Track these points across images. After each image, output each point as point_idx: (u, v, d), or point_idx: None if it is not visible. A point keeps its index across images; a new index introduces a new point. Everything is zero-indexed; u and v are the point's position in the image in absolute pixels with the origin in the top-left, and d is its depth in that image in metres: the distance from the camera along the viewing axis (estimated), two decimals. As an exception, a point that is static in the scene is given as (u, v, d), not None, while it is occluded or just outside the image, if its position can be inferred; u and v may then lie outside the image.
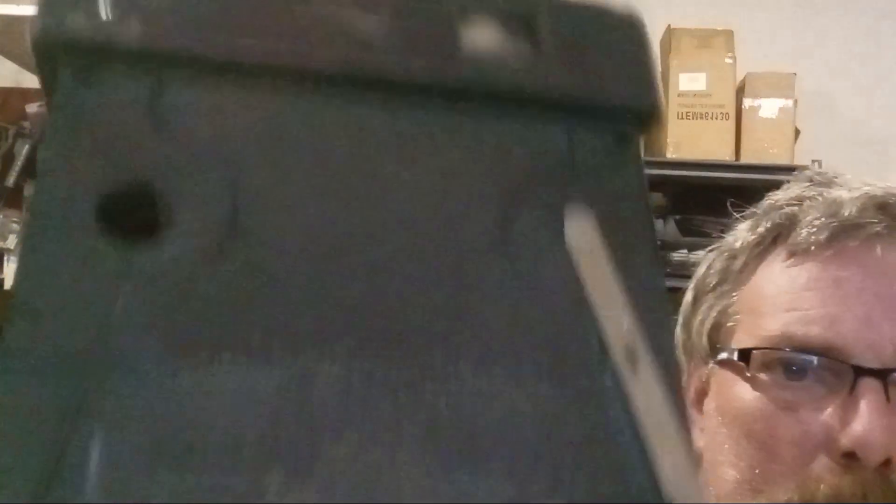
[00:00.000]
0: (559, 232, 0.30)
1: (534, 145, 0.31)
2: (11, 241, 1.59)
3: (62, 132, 0.30)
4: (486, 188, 0.30)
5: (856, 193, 0.53)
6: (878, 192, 0.52)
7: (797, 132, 2.03)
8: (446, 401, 0.28)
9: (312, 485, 0.27)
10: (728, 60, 2.02)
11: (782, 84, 2.02)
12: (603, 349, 0.30)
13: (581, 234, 0.31)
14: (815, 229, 0.52)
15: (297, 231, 0.30)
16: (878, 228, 0.50)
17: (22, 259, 0.29)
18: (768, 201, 0.57)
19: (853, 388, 0.48)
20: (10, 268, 1.59)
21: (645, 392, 0.30)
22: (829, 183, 0.56)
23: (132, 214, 0.30)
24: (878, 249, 0.50)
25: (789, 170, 2.03)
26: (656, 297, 0.30)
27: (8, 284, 1.57)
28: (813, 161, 1.93)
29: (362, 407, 0.28)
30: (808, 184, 0.56)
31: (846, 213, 0.51)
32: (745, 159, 2.05)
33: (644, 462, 0.28)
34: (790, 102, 2.02)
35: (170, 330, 0.28)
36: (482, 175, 0.30)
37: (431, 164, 0.30)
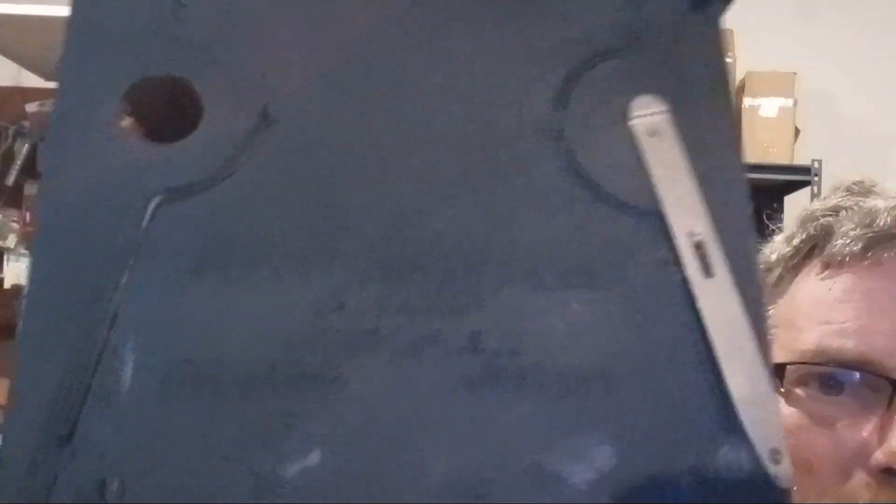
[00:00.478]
0: (621, 114, 0.27)
1: (599, 17, 0.28)
2: (11, 241, 1.57)
3: (84, 29, 0.28)
4: (547, 65, 0.28)
5: (892, 203, 0.52)
6: None
7: (797, 132, 2.03)
8: (492, 321, 0.26)
9: (345, 407, 0.24)
10: (728, 60, 2.01)
11: (782, 84, 2.02)
12: (670, 252, 0.27)
13: (647, 114, 0.29)
14: (849, 240, 0.51)
15: (331, 125, 0.27)
16: None
17: (49, 156, 0.26)
18: (805, 213, 0.56)
19: (891, 402, 0.47)
20: (10, 267, 1.58)
21: (718, 301, 0.27)
22: (866, 192, 0.55)
23: (159, 108, 0.28)
24: None
25: (789, 169, 2.03)
26: (735, 188, 0.27)
27: (8, 284, 1.55)
28: (813, 161, 1.92)
29: (396, 330, 0.25)
30: (845, 193, 0.55)
31: (881, 223, 0.50)
32: (746, 159, 2.04)
33: (712, 382, 0.26)
34: (790, 102, 2.01)
35: (200, 240, 0.26)
36: (543, 50, 0.28)
37: (491, 38, 0.28)
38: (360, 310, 0.25)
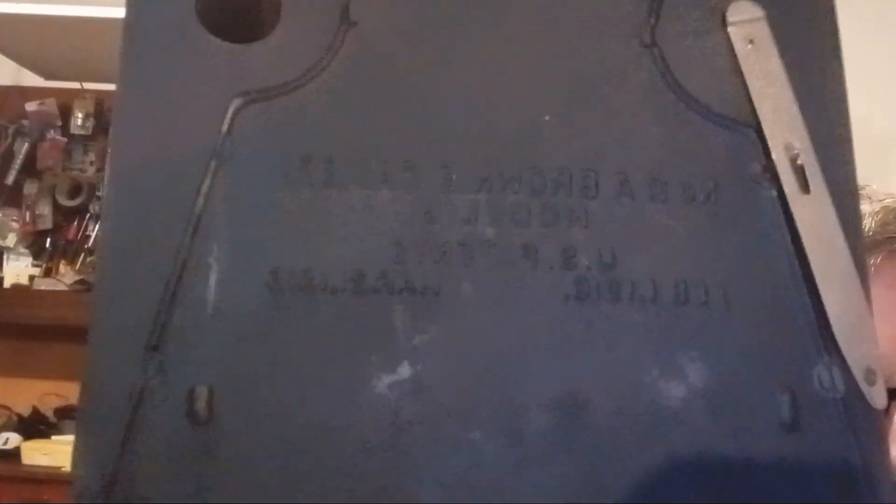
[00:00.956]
0: (717, 19, 0.25)
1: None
2: (11, 240, 1.57)
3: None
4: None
5: (876, 207, 0.48)
6: None
7: (797, 131, 1.96)
8: (583, 235, 0.25)
9: (435, 322, 0.24)
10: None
11: (783, 83, 1.91)
12: (766, 167, 0.26)
13: (744, 20, 0.27)
14: None
15: (418, 30, 0.26)
16: None
17: (126, 73, 0.25)
18: None
19: (888, 410, 0.46)
20: (10, 266, 1.58)
21: (815, 217, 0.26)
22: None
23: (239, 14, 0.26)
24: None
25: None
26: (834, 101, 0.26)
27: (8, 283, 1.55)
28: None
29: (487, 243, 0.24)
30: None
31: (866, 229, 0.48)
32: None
33: (808, 300, 0.25)
34: (790, 102, 1.92)
35: (285, 147, 0.24)
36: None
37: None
38: (452, 221, 0.24)
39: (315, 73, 0.25)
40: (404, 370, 0.23)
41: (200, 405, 0.22)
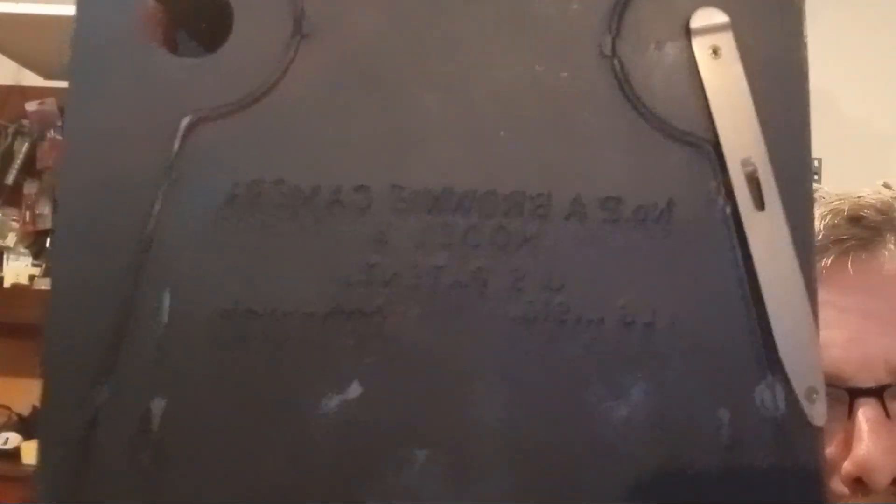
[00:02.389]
0: (679, 27, 0.25)
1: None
2: (11, 240, 1.57)
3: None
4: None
5: (825, 209, 0.48)
6: (848, 206, 0.48)
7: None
8: (533, 259, 0.25)
9: (383, 344, 0.23)
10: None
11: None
12: (722, 184, 0.26)
13: (708, 28, 0.26)
14: None
15: (368, 47, 0.25)
16: (851, 243, 0.46)
17: (74, 91, 0.24)
18: None
19: (851, 410, 0.45)
20: (10, 266, 1.58)
21: (767, 235, 0.26)
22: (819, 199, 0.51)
23: (185, 18, 0.26)
24: (855, 266, 0.46)
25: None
26: (795, 114, 0.26)
27: (8, 283, 1.56)
28: (813, 160, 1.84)
29: (437, 267, 0.24)
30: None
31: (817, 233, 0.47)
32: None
33: (755, 319, 0.25)
34: (791, 100, 1.91)
35: (235, 168, 0.24)
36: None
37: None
38: (402, 244, 0.24)
39: (266, 90, 0.25)
40: (353, 390, 0.23)
41: (153, 429, 0.23)
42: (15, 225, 1.61)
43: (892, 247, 0.47)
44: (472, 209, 0.25)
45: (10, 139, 1.60)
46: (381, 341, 0.24)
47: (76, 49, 0.24)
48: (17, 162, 1.59)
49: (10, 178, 1.59)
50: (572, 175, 0.25)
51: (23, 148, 1.61)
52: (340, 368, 0.23)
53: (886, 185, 0.50)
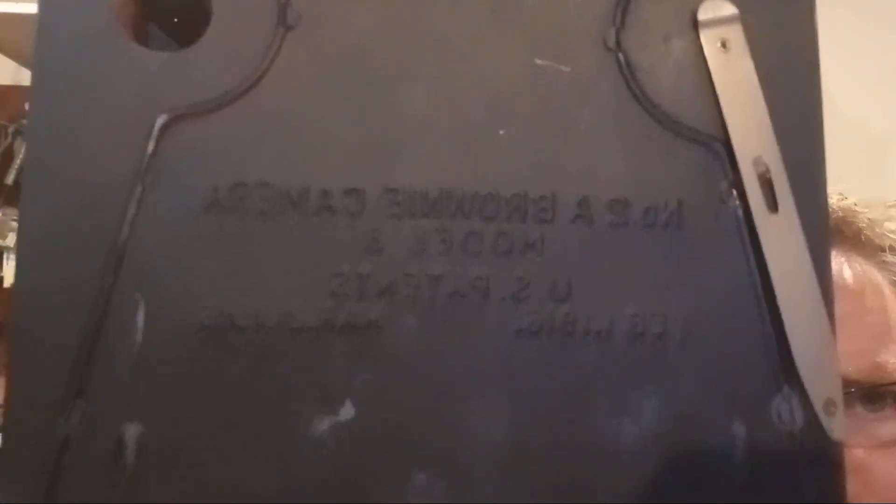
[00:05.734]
0: (687, 19, 0.23)
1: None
2: (11, 240, 1.53)
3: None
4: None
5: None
6: None
7: (796, 133, 1.95)
8: (538, 266, 0.23)
9: (379, 360, 0.22)
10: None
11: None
12: (733, 184, 0.25)
13: (716, 20, 0.25)
14: None
15: (358, 39, 0.23)
16: None
17: (39, 88, 0.22)
18: None
19: (874, 406, 0.44)
20: (10, 266, 1.54)
21: (781, 239, 0.25)
22: None
23: (165, 17, 0.24)
24: None
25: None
26: (808, 112, 0.24)
27: (8, 282, 1.52)
28: None
29: (436, 274, 0.23)
30: None
31: None
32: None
33: (770, 328, 0.23)
34: (790, 101, 1.91)
35: (215, 169, 0.22)
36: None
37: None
38: (398, 250, 0.22)
39: (248, 86, 0.23)
40: (346, 411, 0.22)
41: (127, 453, 0.21)
42: (15, 225, 1.57)
43: (858, 257, 0.46)
44: (472, 213, 0.23)
45: (10, 139, 1.57)
46: (375, 357, 0.22)
47: (40, 43, 0.22)
48: (17, 162, 1.55)
49: (10, 178, 1.55)
50: (577, 176, 0.24)
51: (23, 148, 1.57)
52: (331, 388, 0.22)
53: (842, 195, 0.49)
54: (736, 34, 0.25)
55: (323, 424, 0.21)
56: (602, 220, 0.23)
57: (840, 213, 0.46)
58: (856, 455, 0.41)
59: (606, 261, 0.23)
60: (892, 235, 0.46)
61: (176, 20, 0.24)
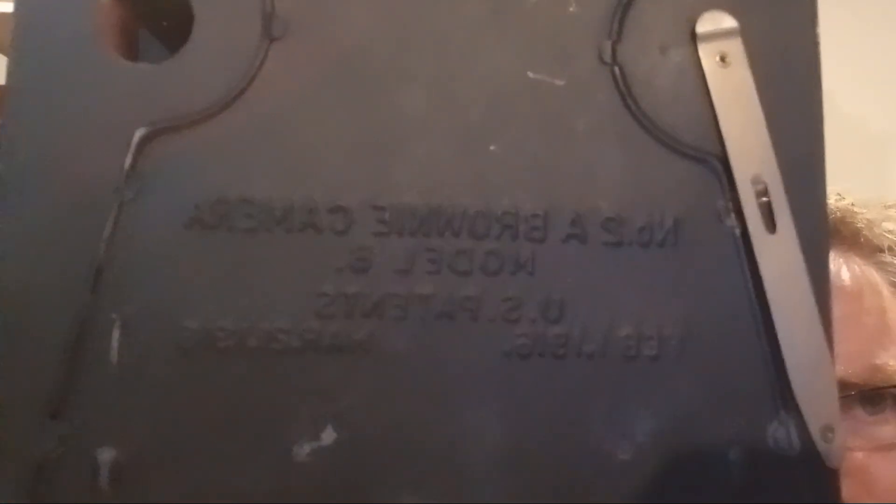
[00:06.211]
0: (685, 32, 0.23)
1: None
2: None
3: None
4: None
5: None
6: None
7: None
8: (528, 285, 0.22)
9: (365, 382, 0.21)
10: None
11: (781, 83, 1.90)
12: (730, 202, 0.24)
13: (715, 33, 0.24)
14: None
15: (345, 51, 0.23)
16: None
17: (13, 100, 0.22)
18: None
19: (873, 408, 0.44)
20: None
21: (779, 259, 0.24)
22: None
23: (156, 24, 0.24)
24: None
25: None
26: (808, 129, 0.24)
27: None
28: None
29: (424, 295, 0.22)
30: None
31: None
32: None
33: (766, 351, 0.23)
34: (790, 101, 1.91)
35: (197, 185, 0.22)
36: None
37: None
38: (385, 270, 0.21)
39: (231, 98, 0.22)
40: (330, 435, 0.21)
41: (105, 477, 0.20)
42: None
43: (856, 258, 0.46)
44: (462, 231, 0.22)
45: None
46: (361, 380, 0.21)
47: (15, 52, 0.21)
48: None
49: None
50: (570, 193, 0.23)
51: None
52: (316, 411, 0.21)
53: (840, 195, 0.48)
54: (735, 48, 0.25)
55: (307, 448, 0.21)
56: (596, 238, 0.23)
57: (838, 214, 0.46)
58: (855, 458, 0.40)
59: (600, 280, 0.22)
60: (890, 236, 0.46)
61: (165, 24, 0.24)
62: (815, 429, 0.23)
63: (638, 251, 0.23)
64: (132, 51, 0.22)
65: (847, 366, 0.40)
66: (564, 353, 0.22)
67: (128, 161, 0.21)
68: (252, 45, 0.22)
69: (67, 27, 0.21)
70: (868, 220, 0.46)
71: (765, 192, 0.24)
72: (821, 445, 0.23)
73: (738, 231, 0.24)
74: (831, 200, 0.45)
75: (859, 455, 0.40)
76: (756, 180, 0.24)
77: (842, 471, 0.23)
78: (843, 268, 0.44)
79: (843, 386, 0.41)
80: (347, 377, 0.21)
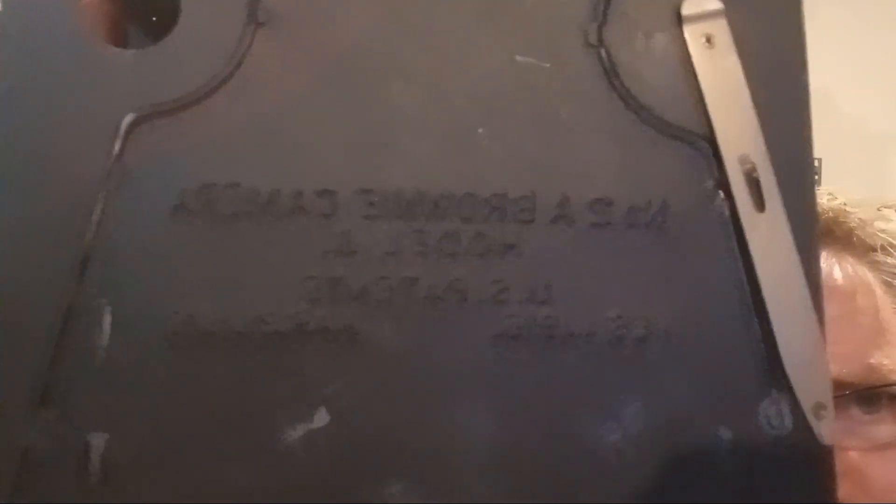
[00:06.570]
0: (670, 14, 0.23)
1: None
2: None
3: None
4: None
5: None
6: None
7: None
8: (517, 268, 0.23)
9: (353, 366, 0.21)
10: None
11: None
12: (719, 182, 0.24)
13: (700, 14, 0.24)
14: None
15: (331, 34, 0.23)
16: None
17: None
18: None
19: (870, 408, 0.43)
20: None
21: (768, 238, 0.24)
22: None
23: (145, 16, 0.24)
24: None
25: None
26: (796, 108, 0.24)
27: None
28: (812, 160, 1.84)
29: (411, 278, 0.22)
30: None
31: None
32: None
33: (757, 330, 0.23)
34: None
35: (184, 170, 0.22)
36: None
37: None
38: (372, 253, 0.21)
39: (218, 83, 0.22)
40: (320, 418, 0.21)
41: (93, 465, 0.20)
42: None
43: (849, 257, 0.46)
44: (449, 214, 0.22)
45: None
46: (350, 363, 0.21)
47: (1, 43, 0.21)
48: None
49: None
50: (558, 175, 0.23)
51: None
52: (305, 394, 0.21)
53: (832, 195, 0.48)
54: (721, 29, 0.25)
55: (296, 432, 0.21)
56: (584, 221, 0.23)
57: (830, 214, 0.46)
58: (851, 457, 0.40)
59: (588, 262, 0.22)
60: (882, 235, 0.46)
61: (154, 19, 0.24)
62: (807, 406, 0.23)
63: (626, 232, 0.23)
64: (121, 46, 0.23)
65: (842, 366, 0.40)
66: (553, 334, 0.22)
67: (116, 147, 0.21)
68: (238, 31, 0.22)
69: (53, 16, 0.21)
70: (861, 219, 0.46)
71: (753, 171, 0.24)
72: (813, 423, 0.23)
73: (726, 211, 0.24)
74: (823, 200, 0.45)
75: (855, 455, 0.40)
76: (744, 160, 0.24)
77: (835, 448, 0.23)
78: (836, 268, 0.44)
79: (839, 386, 0.41)
80: (336, 360, 0.21)
